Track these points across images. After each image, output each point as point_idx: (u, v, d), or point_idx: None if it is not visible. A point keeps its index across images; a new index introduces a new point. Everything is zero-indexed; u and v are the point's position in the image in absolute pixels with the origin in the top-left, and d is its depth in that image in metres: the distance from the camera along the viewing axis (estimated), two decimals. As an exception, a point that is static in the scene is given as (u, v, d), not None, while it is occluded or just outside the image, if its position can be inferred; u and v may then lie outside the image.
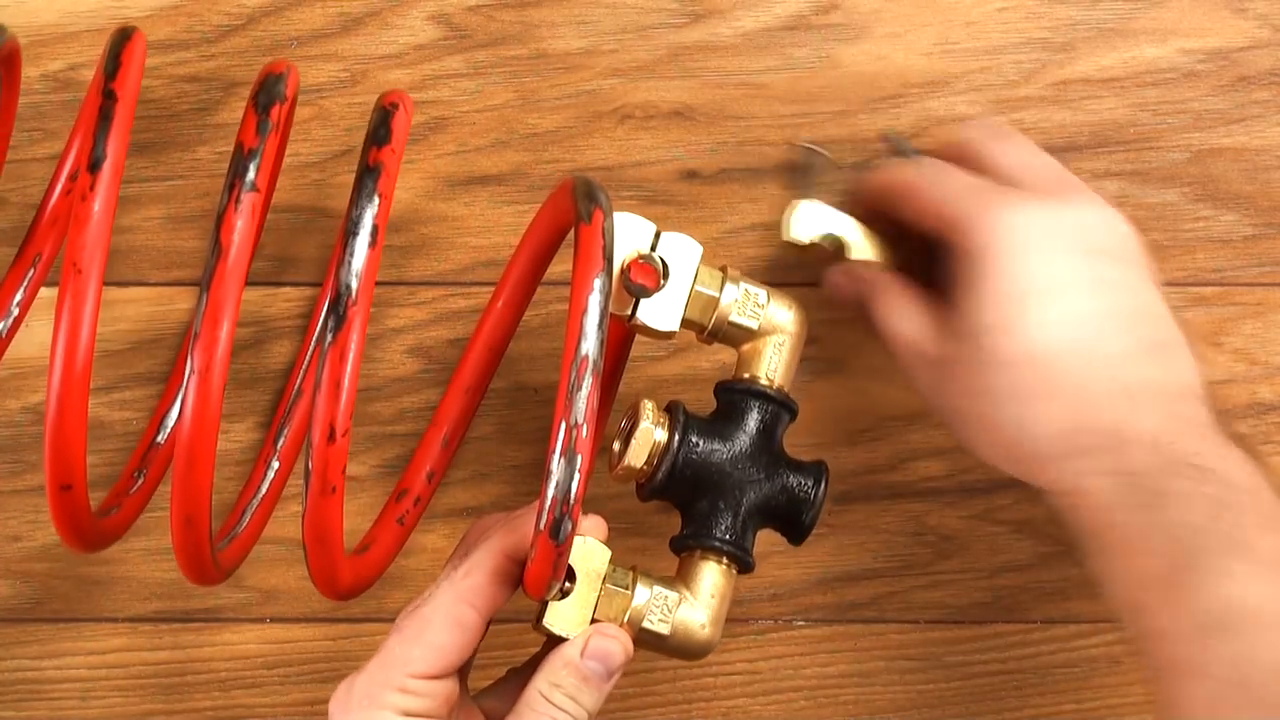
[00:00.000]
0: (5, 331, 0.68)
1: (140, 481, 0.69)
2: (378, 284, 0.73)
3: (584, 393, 0.55)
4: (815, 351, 0.74)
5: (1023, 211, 0.62)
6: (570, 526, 0.56)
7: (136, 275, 0.74)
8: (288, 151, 0.73)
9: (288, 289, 0.74)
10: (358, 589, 0.62)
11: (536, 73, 0.73)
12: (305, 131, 0.73)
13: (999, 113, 0.74)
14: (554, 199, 0.64)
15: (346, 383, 0.54)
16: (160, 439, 0.70)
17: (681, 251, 0.63)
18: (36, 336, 0.73)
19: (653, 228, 0.63)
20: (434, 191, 0.74)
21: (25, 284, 0.69)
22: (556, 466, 0.55)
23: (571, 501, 0.56)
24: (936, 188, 0.64)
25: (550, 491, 0.56)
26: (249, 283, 0.73)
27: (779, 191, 0.74)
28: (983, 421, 0.62)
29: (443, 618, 0.59)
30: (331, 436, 0.54)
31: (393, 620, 0.61)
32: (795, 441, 0.74)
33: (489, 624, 0.61)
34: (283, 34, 0.73)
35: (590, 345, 0.56)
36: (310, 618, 0.75)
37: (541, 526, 0.56)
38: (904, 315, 0.65)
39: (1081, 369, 0.61)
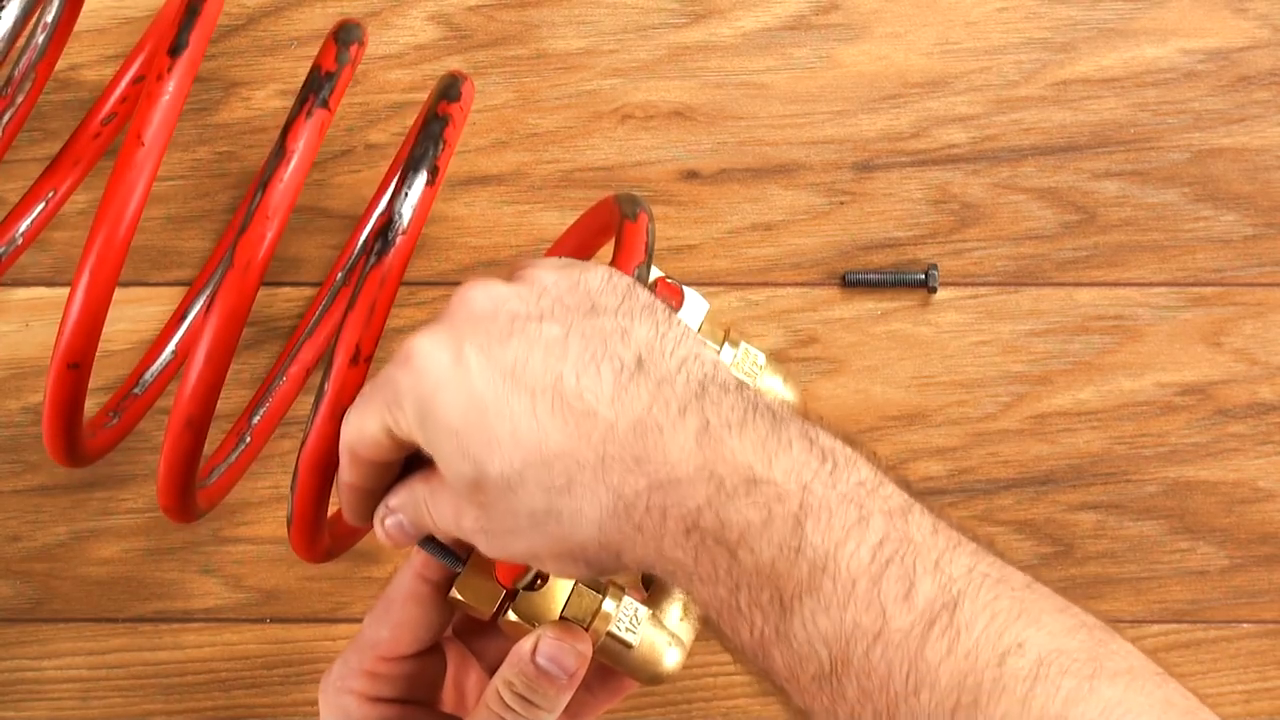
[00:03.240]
0: (5, 256, 0.68)
1: (114, 421, 0.68)
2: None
3: None
4: (815, 351, 0.74)
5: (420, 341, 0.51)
6: None
7: (136, 275, 0.74)
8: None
9: (287, 289, 0.74)
10: (326, 549, 0.61)
11: (536, 73, 0.73)
12: (305, 131, 0.73)
13: (999, 113, 0.74)
14: (588, 216, 0.64)
15: (379, 310, 0.54)
16: (138, 390, 0.70)
17: (688, 305, 0.63)
18: (37, 337, 0.73)
19: (660, 275, 0.63)
20: (434, 191, 0.74)
21: (34, 215, 0.69)
22: None
23: None
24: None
25: None
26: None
27: (779, 191, 0.74)
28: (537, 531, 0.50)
29: (403, 596, 0.58)
30: (355, 359, 0.54)
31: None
32: (795, 441, 0.74)
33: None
34: (283, 34, 0.73)
35: None
36: (310, 618, 0.75)
37: None
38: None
39: (571, 439, 0.48)
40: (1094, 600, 0.75)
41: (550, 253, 0.69)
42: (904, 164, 0.74)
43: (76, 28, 0.72)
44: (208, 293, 0.69)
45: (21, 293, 0.73)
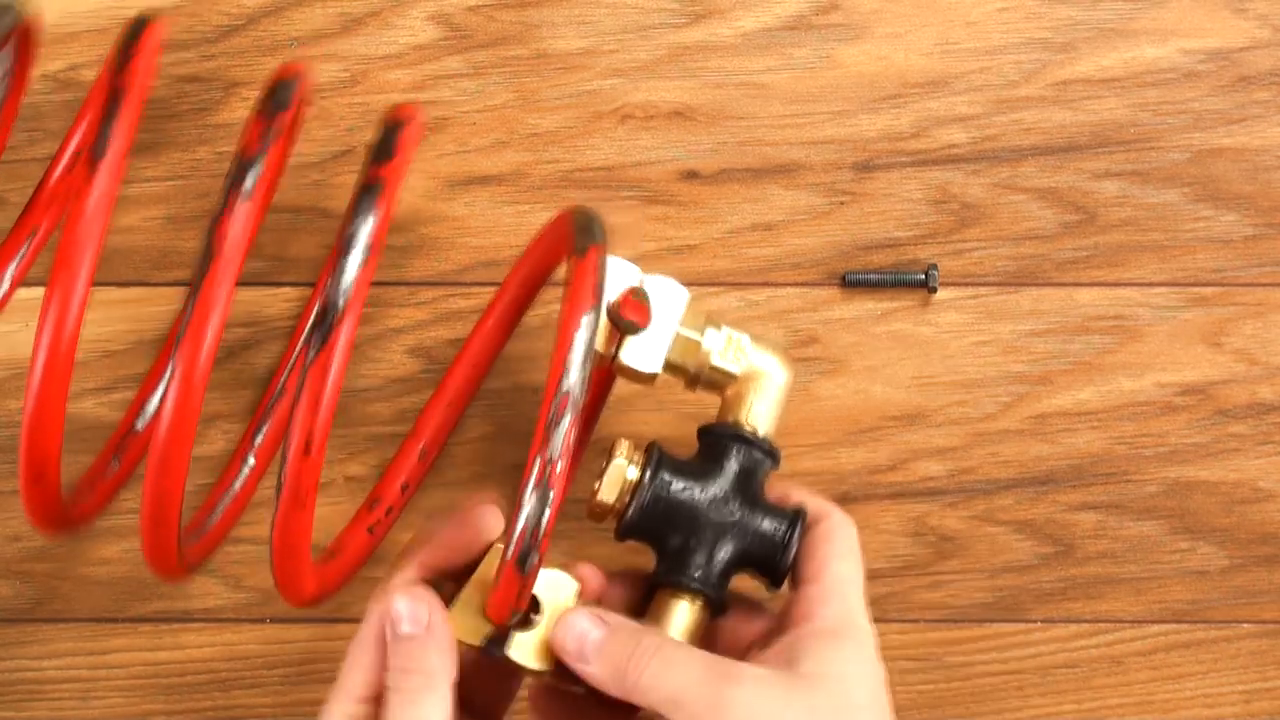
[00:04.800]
0: None
1: (115, 468, 0.68)
2: (378, 284, 0.73)
3: (562, 428, 0.55)
4: (815, 351, 0.74)
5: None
6: (536, 559, 0.56)
7: (136, 275, 0.74)
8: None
9: (286, 289, 0.74)
10: (322, 597, 0.63)
11: (536, 73, 0.73)
12: (305, 131, 0.73)
13: (999, 113, 0.74)
14: (551, 228, 0.64)
15: (326, 399, 0.54)
16: (139, 426, 0.70)
17: (667, 295, 0.62)
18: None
19: (637, 270, 0.62)
20: (434, 191, 0.74)
21: (19, 258, 0.69)
22: (528, 499, 0.55)
23: (540, 535, 0.56)
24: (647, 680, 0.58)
25: (520, 523, 0.56)
26: (247, 283, 0.73)
27: (779, 191, 0.74)
28: None
29: (372, 637, 0.60)
30: (307, 450, 0.54)
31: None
32: (796, 442, 0.74)
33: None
34: (283, 34, 0.73)
35: (573, 381, 0.56)
36: (310, 618, 0.75)
37: (509, 556, 0.56)
38: None
39: None
40: (1094, 600, 0.75)
41: (512, 271, 0.68)
42: (904, 164, 0.74)
43: (76, 28, 0.73)
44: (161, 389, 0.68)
45: (21, 293, 0.73)
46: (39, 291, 0.73)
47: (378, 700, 0.59)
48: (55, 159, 0.70)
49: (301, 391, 0.54)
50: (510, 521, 0.56)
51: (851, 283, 0.74)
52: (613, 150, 0.74)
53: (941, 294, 0.74)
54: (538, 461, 0.55)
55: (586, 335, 0.56)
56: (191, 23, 0.73)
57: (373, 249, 0.55)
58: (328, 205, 0.73)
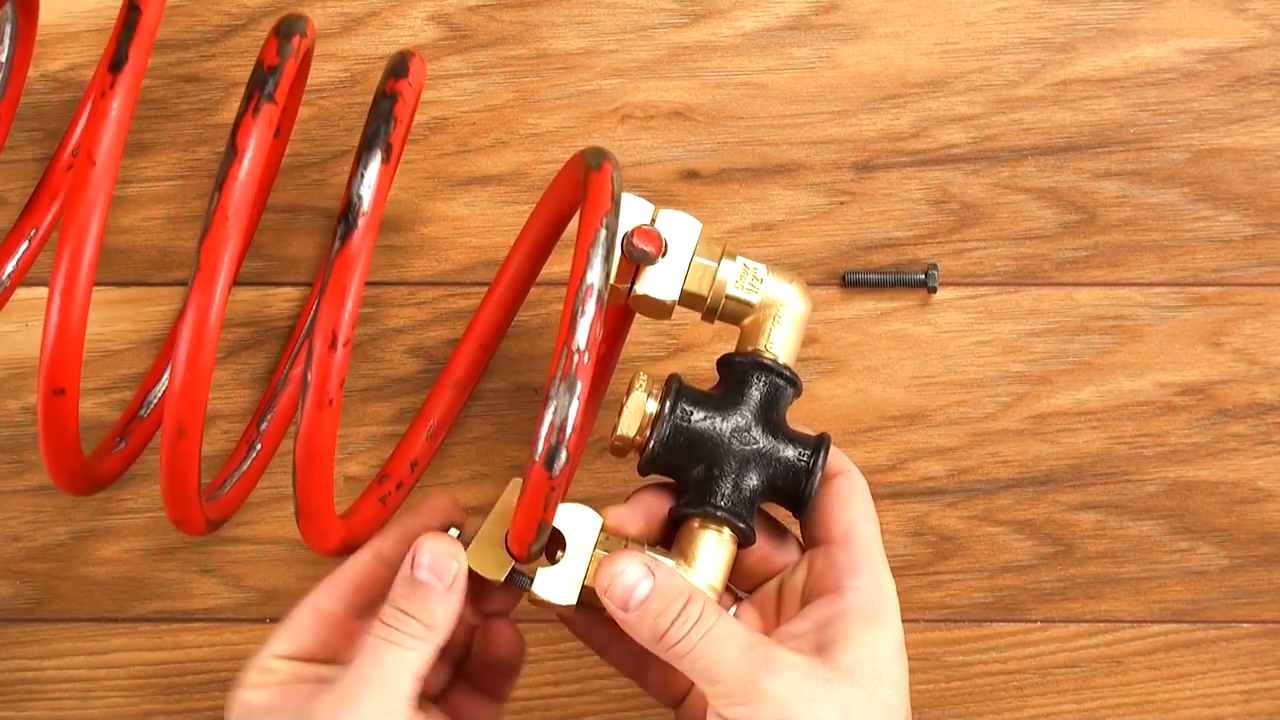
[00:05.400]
0: None
1: (121, 445, 0.68)
2: (378, 284, 0.73)
3: (587, 319, 0.54)
4: (815, 351, 0.74)
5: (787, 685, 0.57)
6: (565, 457, 0.54)
7: (136, 275, 0.74)
8: (287, 151, 0.73)
9: (286, 289, 0.74)
10: (340, 547, 0.61)
11: (536, 73, 0.73)
12: (305, 132, 0.73)
13: (999, 113, 0.74)
14: (559, 178, 0.64)
15: (352, 291, 0.54)
16: (144, 413, 0.70)
17: (681, 227, 0.62)
18: (37, 337, 0.73)
19: (651, 207, 0.62)
20: (434, 191, 0.74)
21: (18, 256, 0.69)
22: (555, 393, 0.54)
23: (569, 430, 0.54)
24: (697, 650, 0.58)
25: (547, 418, 0.54)
26: (247, 283, 0.73)
27: (779, 191, 0.74)
28: None
29: (303, 605, 0.61)
30: (333, 344, 0.54)
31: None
32: (795, 441, 0.74)
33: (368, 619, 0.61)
34: (283, 34, 0.73)
35: (595, 274, 0.55)
36: (310, 618, 0.75)
37: (536, 457, 0.54)
38: None
39: None
40: (1094, 600, 0.75)
41: (519, 237, 0.68)
42: (904, 164, 0.74)
43: (76, 28, 0.73)
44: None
45: (21, 293, 0.73)
46: (40, 291, 0.73)
47: (300, 659, 0.60)
48: (57, 154, 0.70)
49: (327, 286, 0.54)
50: (537, 421, 0.54)
51: (851, 283, 0.74)
52: (613, 150, 0.74)
53: (941, 294, 0.74)
54: (564, 352, 0.54)
55: (606, 234, 0.56)
56: (191, 23, 0.73)
57: (393, 150, 0.55)
58: (328, 205, 0.74)
